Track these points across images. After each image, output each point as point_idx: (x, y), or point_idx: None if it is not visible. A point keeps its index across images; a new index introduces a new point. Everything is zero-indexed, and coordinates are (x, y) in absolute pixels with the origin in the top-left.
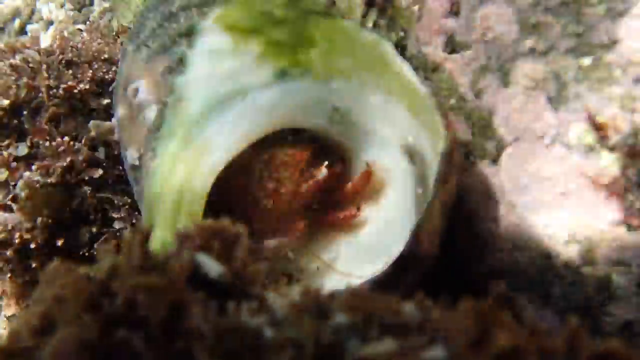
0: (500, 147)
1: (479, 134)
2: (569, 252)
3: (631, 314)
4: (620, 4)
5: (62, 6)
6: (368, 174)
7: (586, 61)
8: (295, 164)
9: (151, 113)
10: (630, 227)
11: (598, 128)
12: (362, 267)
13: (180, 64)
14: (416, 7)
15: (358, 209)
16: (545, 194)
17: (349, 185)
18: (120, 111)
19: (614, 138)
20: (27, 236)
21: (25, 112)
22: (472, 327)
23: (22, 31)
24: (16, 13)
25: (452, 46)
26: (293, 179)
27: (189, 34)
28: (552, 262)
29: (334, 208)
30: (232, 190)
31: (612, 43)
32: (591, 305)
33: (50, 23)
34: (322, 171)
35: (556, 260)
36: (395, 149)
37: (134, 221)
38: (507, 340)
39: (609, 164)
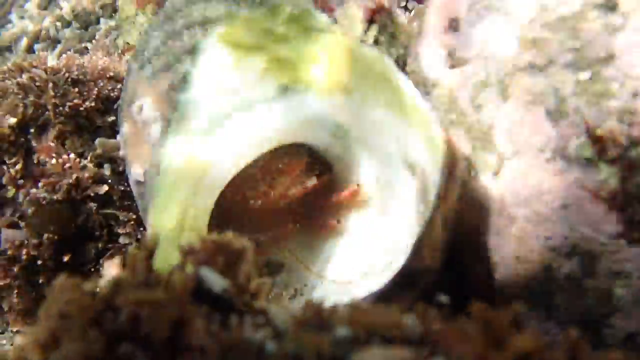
0: (501, 161)
1: (480, 147)
2: (571, 264)
3: (633, 326)
4: (617, 19)
5: (68, 25)
6: (354, 192)
7: (584, 75)
8: (289, 172)
9: (156, 129)
10: (630, 240)
11: (597, 141)
12: (365, 280)
13: (184, 81)
14: (416, 24)
15: (338, 221)
16: (545, 207)
17: (334, 197)
18: (125, 128)
19: (612, 151)
20: (34, 252)
21: (32, 130)
22: (481, 336)
23: (29, 50)
24: (24, 32)
25: (452, 62)
26: (284, 185)
27: (193, 51)
28: (554, 274)
29: (320, 215)
30: (226, 190)
31: (610, 57)
32: (593, 317)
33: (57, 42)
34: (312, 179)
35: (558, 273)
36: (398, 163)
37: (139, 236)
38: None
39: (608, 177)
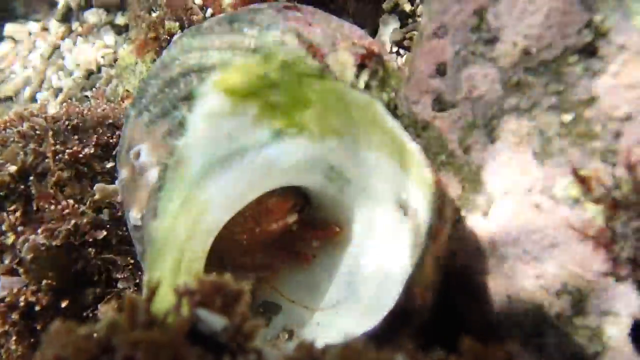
0: (490, 201)
1: (470, 188)
2: (561, 303)
3: None
4: (597, 64)
5: (70, 75)
6: (331, 232)
7: (568, 117)
8: (277, 211)
9: (152, 175)
10: (618, 278)
11: (582, 181)
12: (360, 322)
13: (180, 127)
14: (406, 69)
15: (314, 255)
16: (534, 246)
17: (310, 233)
18: (123, 173)
19: (597, 191)
20: (31, 299)
21: (31, 177)
22: None
23: (32, 99)
24: (27, 82)
25: (440, 105)
26: (269, 222)
27: (189, 98)
28: (544, 313)
29: (300, 247)
30: None
31: (592, 100)
32: (585, 356)
33: (59, 90)
34: (293, 216)
35: (549, 311)
36: (390, 203)
37: (137, 281)
38: None
39: (594, 215)
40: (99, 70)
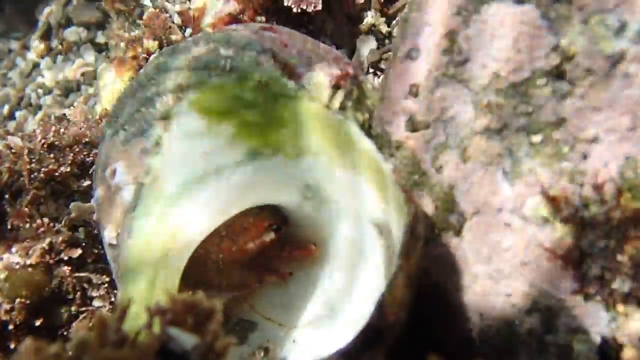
0: (462, 220)
1: (442, 208)
2: (532, 320)
3: None
4: (565, 86)
5: (49, 92)
6: (308, 251)
7: (537, 138)
8: (254, 230)
9: (128, 193)
10: (586, 296)
11: (551, 201)
12: (336, 339)
13: (157, 146)
14: (380, 89)
15: (290, 273)
16: (505, 264)
17: (287, 251)
18: (98, 192)
19: (566, 211)
20: (5, 317)
21: (6, 196)
22: None
23: (11, 116)
24: (6, 100)
25: (413, 125)
26: (245, 240)
27: (165, 117)
28: (516, 330)
29: (276, 264)
30: None
31: (561, 121)
32: None
33: (38, 108)
34: (270, 234)
35: (520, 329)
36: (365, 222)
37: (113, 299)
38: None
39: (563, 235)
40: (78, 88)
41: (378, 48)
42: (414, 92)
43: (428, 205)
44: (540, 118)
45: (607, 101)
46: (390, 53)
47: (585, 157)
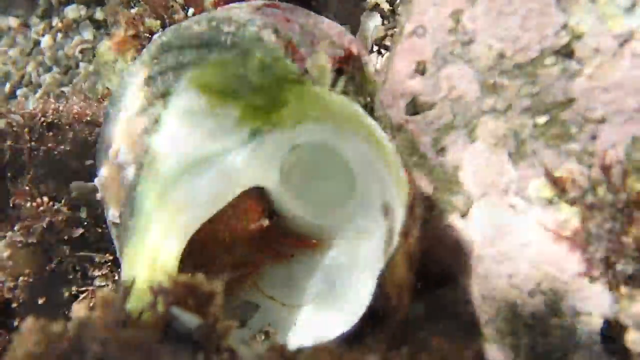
0: (469, 202)
1: (443, 189)
2: (535, 303)
3: None
4: (574, 65)
5: (49, 70)
6: (307, 244)
7: (542, 119)
8: (251, 212)
9: (130, 172)
10: (592, 278)
11: (555, 183)
12: (338, 319)
13: (155, 124)
14: (383, 71)
15: (292, 255)
16: (509, 246)
17: (287, 239)
18: (103, 171)
19: (572, 192)
20: (8, 295)
21: (9, 174)
22: None
23: (13, 94)
24: (7, 77)
25: (415, 108)
26: (248, 221)
27: (165, 95)
28: (519, 312)
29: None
30: None
31: (569, 101)
32: (558, 355)
33: (38, 86)
34: (265, 220)
35: (523, 311)
36: (376, 202)
37: (116, 278)
38: None
39: (569, 216)
40: (77, 66)
41: (383, 24)
42: (420, 69)
43: (426, 187)
44: (546, 98)
45: (614, 81)
46: (395, 30)
47: (593, 138)
